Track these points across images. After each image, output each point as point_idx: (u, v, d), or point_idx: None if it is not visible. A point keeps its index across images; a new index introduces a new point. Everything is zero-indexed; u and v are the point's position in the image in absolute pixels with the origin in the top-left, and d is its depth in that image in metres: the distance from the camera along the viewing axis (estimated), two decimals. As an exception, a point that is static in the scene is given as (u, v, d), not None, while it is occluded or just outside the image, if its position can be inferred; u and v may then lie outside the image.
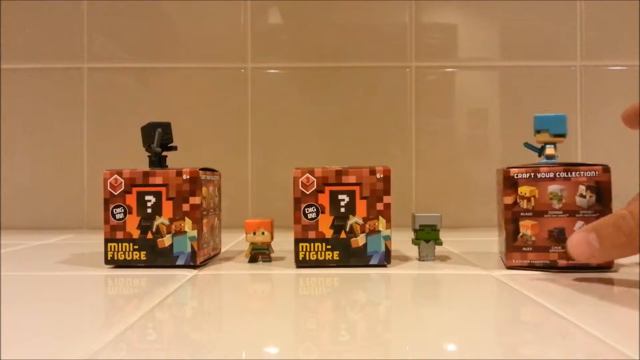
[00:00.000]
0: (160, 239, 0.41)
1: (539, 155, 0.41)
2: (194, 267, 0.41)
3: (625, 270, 0.38)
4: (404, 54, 0.73)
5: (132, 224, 0.41)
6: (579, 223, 0.38)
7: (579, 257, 0.34)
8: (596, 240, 0.33)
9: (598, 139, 0.72)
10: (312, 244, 0.40)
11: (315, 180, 0.40)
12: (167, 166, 0.44)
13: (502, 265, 0.41)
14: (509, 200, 0.39)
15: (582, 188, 0.38)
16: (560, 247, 0.38)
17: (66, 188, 0.74)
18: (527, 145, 0.42)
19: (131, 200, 0.41)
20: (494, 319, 0.26)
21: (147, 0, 0.73)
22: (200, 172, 0.41)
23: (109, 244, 0.41)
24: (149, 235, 0.41)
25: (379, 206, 0.40)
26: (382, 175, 0.40)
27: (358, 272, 0.39)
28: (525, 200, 0.39)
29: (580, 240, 0.34)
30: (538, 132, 0.40)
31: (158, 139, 0.43)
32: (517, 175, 0.39)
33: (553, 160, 0.40)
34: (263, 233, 0.42)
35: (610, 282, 0.35)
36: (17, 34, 0.74)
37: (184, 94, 0.74)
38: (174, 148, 0.44)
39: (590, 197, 0.38)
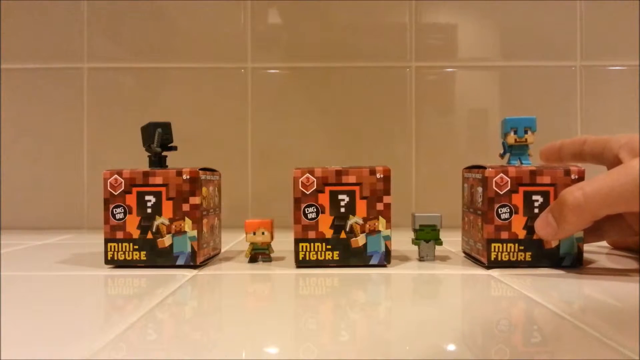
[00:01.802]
0: (160, 239, 0.41)
1: (503, 156, 0.43)
2: (194, 267, 0.41)
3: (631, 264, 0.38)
4: (404, 54, 0.73)
5: (132, 224, 0.41)
6: None
7: (544, 237, 0.36)
8: (552, 220, 0.35)
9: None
10: (312, 244, 0.40)
11: (315, 180, 0.40)
12: (167, 166, 0.44)
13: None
14: None
15: None
16: None
17: (66, 188, 0.74)
18: (504, 144, 0.43)
19: (131, 200, 0.41)
20: (494, 319, 0.26)
21: (147, 0, 0.73)
22: (200, 172, 0.41)
23: (109, 244, 0.41)
24: (149, 235, 0.41)
25: (379, 206, 0.40)
26: (382, 175, 0.40)
27: (358, 272, 0.39)
28: None
29: (542, 222, 0.35)
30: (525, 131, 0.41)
31: (158, 139, 0.43)
32: None
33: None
34: (263, 233, 0.42)
35: (614, 279, 0.35)
36: (17, 34, 0.74)
37: (184, 94, 0.74)
38: (174, 148, 0.44)
39: None
